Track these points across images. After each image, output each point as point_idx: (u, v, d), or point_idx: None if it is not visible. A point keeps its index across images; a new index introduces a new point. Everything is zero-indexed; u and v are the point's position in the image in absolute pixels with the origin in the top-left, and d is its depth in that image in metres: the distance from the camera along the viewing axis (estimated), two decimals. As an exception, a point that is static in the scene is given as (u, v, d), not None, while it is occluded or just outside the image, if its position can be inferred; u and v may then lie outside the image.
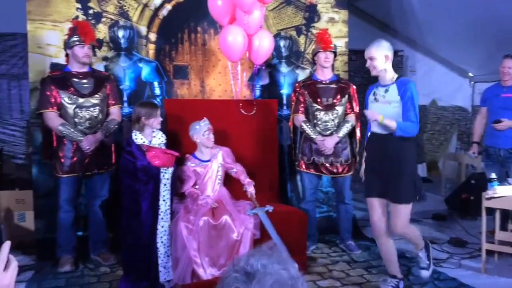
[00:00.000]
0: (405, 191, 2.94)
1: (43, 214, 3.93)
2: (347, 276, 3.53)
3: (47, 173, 3.85)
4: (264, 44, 3.82)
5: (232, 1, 3.59)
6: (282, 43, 4.61)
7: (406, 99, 2.88)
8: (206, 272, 3.14)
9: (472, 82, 7.47)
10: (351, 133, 4.07)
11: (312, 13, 4.68)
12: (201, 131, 3.46)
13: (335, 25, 4.74)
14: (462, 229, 4.71)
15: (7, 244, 1.04)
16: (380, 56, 2.92)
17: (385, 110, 2.93)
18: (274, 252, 1.00)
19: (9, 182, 5.25)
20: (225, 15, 3.72)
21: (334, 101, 3.98)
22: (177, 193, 3.44)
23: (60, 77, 3.59)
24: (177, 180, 3.43)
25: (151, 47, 4.28)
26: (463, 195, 5.28)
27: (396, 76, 2.99)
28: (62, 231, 3.65)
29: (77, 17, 4.01)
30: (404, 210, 2.96)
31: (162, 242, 3.14)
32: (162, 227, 3.15)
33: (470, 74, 7.40)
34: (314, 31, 4.59)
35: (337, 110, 3.98)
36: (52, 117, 3.52)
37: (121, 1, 4.16)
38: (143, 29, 4.24)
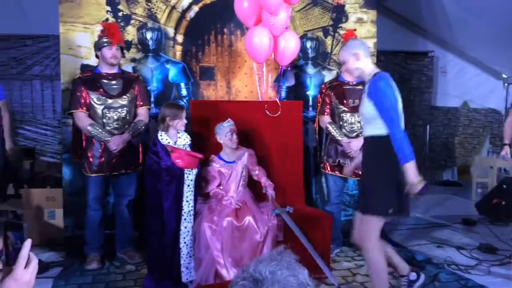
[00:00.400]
0: (374, 201, 2.72)
1: (72, 212, 4.03)
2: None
3: (77, 172, 3.95)
4: (290, 45, 3.80)
5: (258, 3, 3.59)
6: (308, 44, 4.59)
7: (377, 104, 2.62)
8: (229, 273, 3.14)
9: (506, 84, 7.27)
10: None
11: (339, 14, 4.64)
12: (224, 132, 3.48)
13: (363, 25, 4.68)
14: (492, 235, 4.58)
15: (28, 242, 1.07)
16: (349, 56, 2.75)
17: (364, 109, 2.75)
18: (284, 258, 1.00)
19: (40, 180, 5.41)
20: (251, 17, 3.72)
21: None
22: (201, 193, 3.46)
23: (90, 78, 3.67)
24: (202, 181, 3.46)
25: (178, 48, 4.33)
26: (494, 200, 5.14)
27: (374, 72, 2.74)
28: (90, 229, 3.73)
29: (107, 19, 4.09)
30: (369, 221, 2.73)
31: (185, 242, 3.17)
32: (185, 227, 3.17)
33: (504, 76, 7.20)
34: (342, 32, 4.55)
35: (364, 112, 3.93)
36: (81, 117, 3.60)
37: (149, 4, 4.22)
38: (170, 31, 4.29)
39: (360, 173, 3.89)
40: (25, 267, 1.05)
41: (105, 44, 3.61)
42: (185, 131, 3.35)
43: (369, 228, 2.75)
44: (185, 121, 3.25)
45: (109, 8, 4.12)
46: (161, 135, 3.20)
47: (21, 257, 1.05)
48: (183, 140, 3.28)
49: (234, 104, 4.23)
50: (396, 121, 2.62)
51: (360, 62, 2.75)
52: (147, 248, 3.28)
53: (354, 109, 3.92)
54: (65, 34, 4.05)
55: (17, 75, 6.05)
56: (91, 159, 3.64)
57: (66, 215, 4.06)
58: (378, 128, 2.69)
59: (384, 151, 2.66)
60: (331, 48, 4.64)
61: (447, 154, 7.76)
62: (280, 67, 4.05)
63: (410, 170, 2.58)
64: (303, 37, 4.54)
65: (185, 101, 4.27)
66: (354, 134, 3.90)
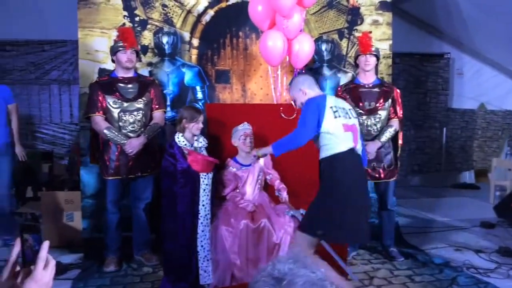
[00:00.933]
0: (306, 218, 2.80)
1: (90, 215, 4.08)
2: (389, 283, 3.45)
3: (94, 175, 4.00)
4: (304, 48, 3.81)
5: (271, 6, 3.60)
6: (324, 46, 4.59)
7: None
8: (246, 275, 3.15)
9: (525, 86, 7.18)
10: (395, 138, 3.99)
11: (355, 16, 4.63)
12: (238, 135, 3.50)
13: (378, 27, 4.67)
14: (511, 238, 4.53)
15: (46, 244, 1.09)
16: (297, 94, 2.92)
17: None
18: (300, 257, 1.01)
19: (59, 183, 5.48)
20: (265, 20, 3.74)
21: (377, 105, 3.91)
22: (218, 197, 3.48)
23: (106, 82, 3.71)
24: (219, 184, 3.48)
25: (194, 52, 4.36)
26: (512, 203, 5.07)
27: None
28: (108, 232, 3.76)
29: (124, 24, 4.14)
30: (299, 237, 2.80)
31: (202, 246, 3.18)
32: (202, 231, 3.18)
33: (522, 77, 7.11)
34: (357, 34, 4.54)
35: (380, 115, 3.91)
36: (98, 121, 3.64)
37: (165, 8, 4.27)
38: (186, 35, 4.33)
39: (377, 175, 3.91)
40: (43, 268, 1.07)
41: (120, 49, 3.65)
42: (201, 134, 3.37)
43: (298, 243, 2.75)
44: (201, 125, 3.27)
45: (126, 13, 4.18)
46: (178, 137, 3.23)
47: (40, 258, 1.06)
48: (200, 143, 3.31)
49: (249, 107, 4.24)
50: (301, 124, 2.72)
51: (307, 96, 2.88)
52: (163, 250, 3.30)
53: (371, 112, 3.90)
54: (83, 39, 4.11)
55: (36, 79, 6.15)
56: (108, 162, 3.67)
57: (84, 218, 4.11)
58: (321, 151, 2.76)
59: (323, 173, 2.73)
60: (347, 50, 4.63)
61: (464, 157, 7.67)
62: (295, 69, 4.06)
63: (265, 150, 2.95)
64: (318, 40, 4.54)
65: (200, 104, 4.30)
66: (370, 137, 3.88)
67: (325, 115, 2.66)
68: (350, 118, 2.77)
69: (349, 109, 2.83)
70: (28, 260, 1.08)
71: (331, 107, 2.68)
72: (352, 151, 2.70)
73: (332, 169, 2.68)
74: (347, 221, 2.66)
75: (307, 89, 2.89)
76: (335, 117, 2.66)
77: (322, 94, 2.89)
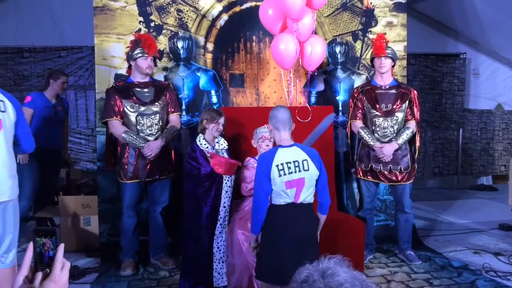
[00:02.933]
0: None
1: (107, 219, 4.11)
2: (406, 287, 3.43)
3: (111, 179, 4.03)
4: (317, 50, 3.80)
5: (281, 10, 3.61)
6: (338, 49, 4.57)
7: None
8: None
9: (542, 84, 7.08)
10: (412, 140, 3.95)
11: (369, 18, 4.61)
12: (257, 137, 3.51)
13: (393, 29, 4.64)
14: (532, 241, 4.45)
15: (62, 246, 1.11)
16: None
17: None
18: (339, 262, 1.04)
19: (76, 188, 5.54)
20: (276, 24, 3.75)
21: (394, 107, 3.88)
22: (239, 197, 3.47)
23: (123, 87, 3.75)
24: (241, 183, 3.47)
25: (209, 56, 4.38)
26: (532, 205, 4.99)
27: None
28: (125, 236, 3.79)
29: (139, 30, 4.18)
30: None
31: (218, 247, 3.19)
32: (220, 232, 3.19)
33: (540, 76, 7.01)
34: (371, 36, 4.52)
35: (397, 116, 3.88)
36: (116, 125, 3.68)
37: (180, 13, 4.30)
38: (201, 39, 4.35)
39: (393, 178, 3.88)
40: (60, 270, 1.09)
41: (140, 55, 3.68)
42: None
43: None
44: (221, 127, 3.29)
45: (141, 19, 4.21)
46: (199, 140, 3.24)
47: (57, 260, 1.08)
48: (221, 145, 3.33)
49: (264, 110, 4.21)
50: (256, 187, 2.61)
51: (276, 137, 2.74)
52: (183, 253, 3.30)
53: (387, 114, 3.88)
54: (100, 45, 4.15)
55: (53, 85, 6.22)
56: (126, 166, 3.70)
57: (101, 222, 4.14)
58: None
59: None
60: (361, 52, 4.61)
61: (487, 160, 7.57)
62: (308, 72, 4.05)
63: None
64: (332, 42, 4.53)
65: (215, 108, 4.31)
66: (387, 139, 3.86)
67: (272, 174, 2.54)
68: (296, 172, 2.56)
69: (303, 160, 2.59)
70: (45, 262, 1.10)
71: (276, 166, 2.53)
72: (291, 205, 2.58)
73: (268, 218, 2.61)
74: (269, 263, 2.62)
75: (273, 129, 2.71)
76: (279, 175, 2.55)
77: (273, 149, 2.68)
